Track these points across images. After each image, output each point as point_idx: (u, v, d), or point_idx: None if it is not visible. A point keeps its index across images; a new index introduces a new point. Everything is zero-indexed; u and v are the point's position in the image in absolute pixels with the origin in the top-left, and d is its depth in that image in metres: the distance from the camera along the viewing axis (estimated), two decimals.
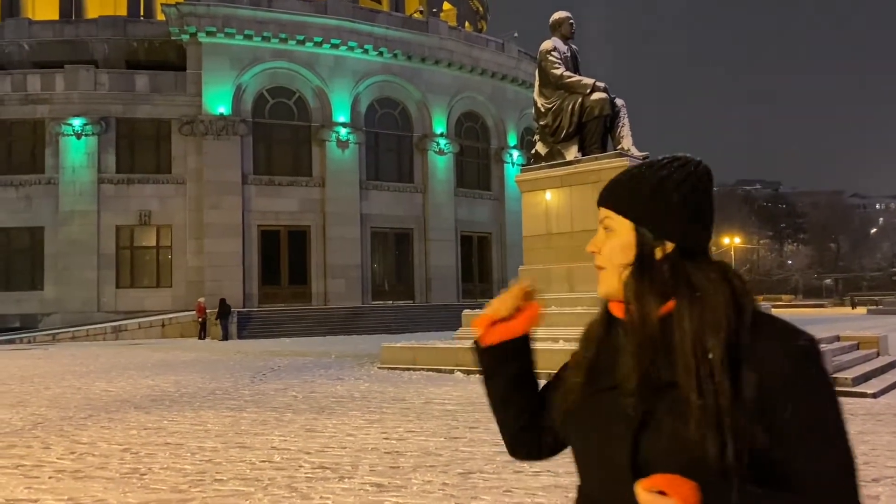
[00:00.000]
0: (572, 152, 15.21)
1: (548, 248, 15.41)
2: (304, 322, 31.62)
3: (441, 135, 38.00)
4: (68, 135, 33.08)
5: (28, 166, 33.67)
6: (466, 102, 39.70)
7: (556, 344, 11.77)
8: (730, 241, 64.80)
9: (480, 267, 40.19)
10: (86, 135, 33.15)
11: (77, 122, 33.02)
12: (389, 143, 37.60)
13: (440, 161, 38.13)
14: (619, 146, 15.08)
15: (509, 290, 1.39)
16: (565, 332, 11.76)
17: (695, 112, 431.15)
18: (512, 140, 41.11)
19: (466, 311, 16.96)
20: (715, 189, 1.30)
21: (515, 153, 40.77)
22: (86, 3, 43.17)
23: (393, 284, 37.21)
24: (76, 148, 33.17)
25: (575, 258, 14.54)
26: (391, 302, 36.01)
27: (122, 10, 41.96)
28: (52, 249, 33.11)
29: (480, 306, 19.13)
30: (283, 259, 34.88)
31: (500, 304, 1.39)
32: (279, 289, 34.50)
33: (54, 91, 33.42)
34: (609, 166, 14.75)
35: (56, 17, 41.54)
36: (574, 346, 1.38)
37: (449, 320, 23.43)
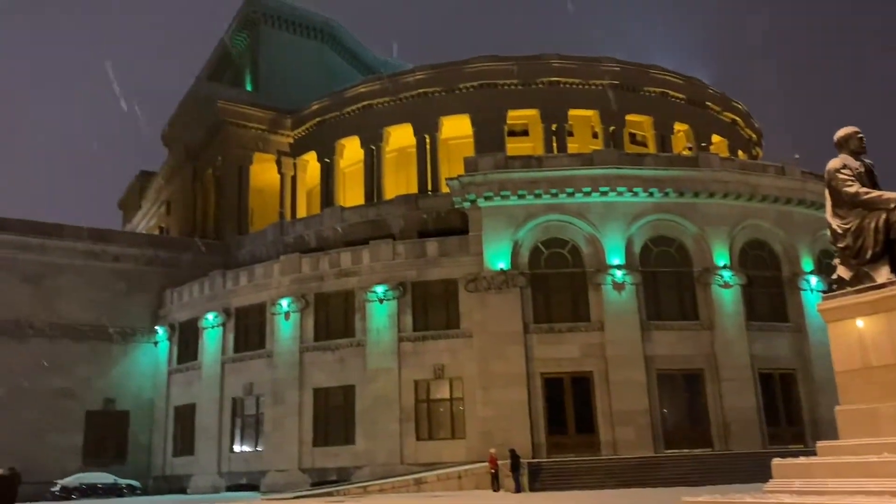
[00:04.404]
0: (883, 274, 13.44)
1: (868, 385, 13.38)
2: (595, 474, 30.44)
3: (724, 267, 36.08)
4: (373, 301, 37.24)
5: (341, 331, 38.25)
6: (749, 231, 37.57)
7: (893, 500, 9.88)
8: None
9: (787, 408, 35.96)
10: (387, 299, 37.06)
11: (380, 289, 37.14)
12: (668, 280, 36.53)
13: (726, 294, 35.95)
14: None
15: None
16: None
17: None
18: (807, 265, 37.62)
19: (776, 461, 15.02)
20: None
21: (813, 279, 37.12)
22: (385, 187, 49.97)
23: (686, 430, 34.67)
24: (379, 312, 37.11)
25: None
26: (686, 450, 33.43)
27: (413, 189, 47.82)
28: (361, 406, 36.53)
29: (791, 453, 16.89)
30: (568, 407, 34.55)
31: None
32: (566, 438, 33.97)
33: (361, 264, 38.25)
34: None
35: (362, 202, 48.54)
36: None
37: (754, 470, 20.94)
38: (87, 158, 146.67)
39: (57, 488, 38.04)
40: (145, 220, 68.45)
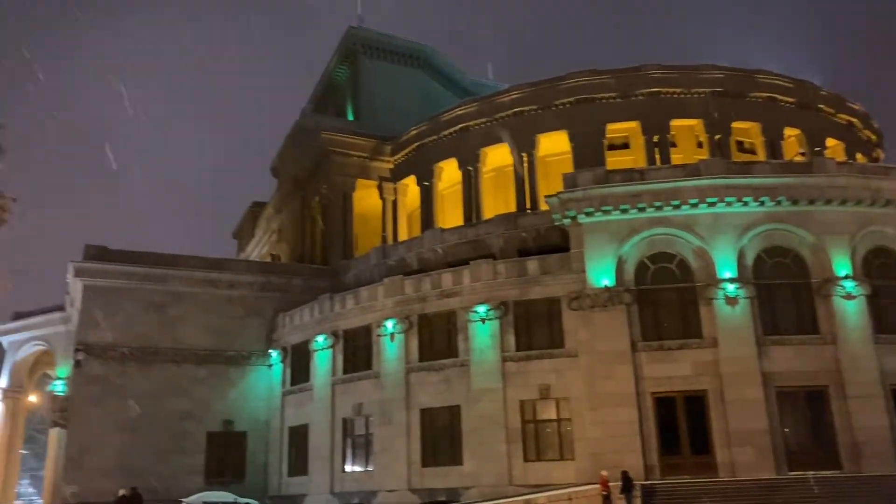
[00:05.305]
0: None
1: None
2: (712, 496, 29.12)
3: (846, 277, 33.93)
4: (475, 321, 37.30)
5: (445, 352, 38.46)
6: (873, 238, 35.23)
7: None
8: None
9: None
10: (489, 319, 37.03)
11: (481, 309, 37.17)
12: (784, 293, 34.70)
13: (849, 306, 33.76)
14: None
15: None
16: None
17: None
18: None
19: None
20: None
21: None
22: (483, 207, 50.18)
23: (811, 451, 32.58)
24: (482, 332, 37.12)
25: None
26: (811, 472, 31.40)
27: (512, 207, 47.75)
28: (467, 426, 36.50)
29: None
30: (681, 427, 33.28)
31: None
32: (680, 459, 32.68)
33: (462, 284, 38.42)
34: None
35: (461, 223, 48.89)
36: None
37: (890, 494, 19.49)
38: (203, 193, 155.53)
39: None
40: (258, 248, 71.61)
